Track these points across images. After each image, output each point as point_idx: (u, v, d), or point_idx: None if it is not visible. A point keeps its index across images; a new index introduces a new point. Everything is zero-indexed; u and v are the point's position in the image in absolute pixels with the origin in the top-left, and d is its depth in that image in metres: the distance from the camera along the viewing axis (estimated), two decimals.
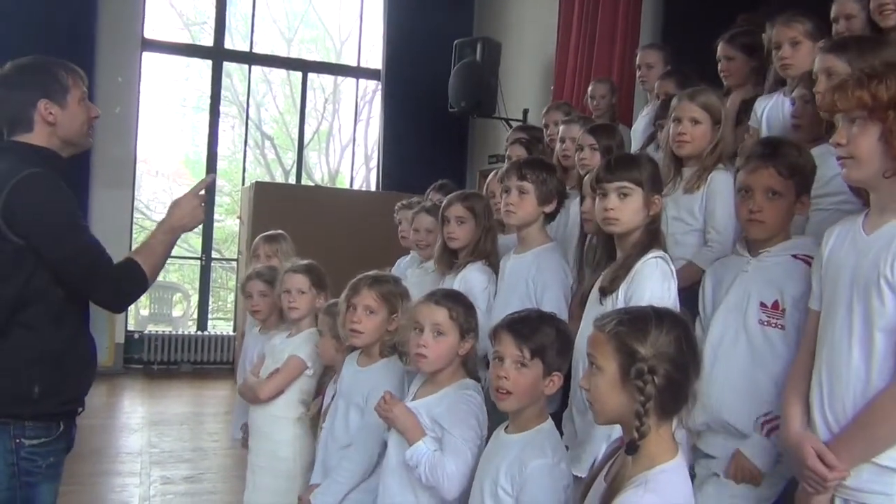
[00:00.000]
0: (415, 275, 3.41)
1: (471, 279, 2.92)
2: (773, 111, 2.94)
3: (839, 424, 1.70)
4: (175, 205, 2.36)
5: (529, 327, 1.99)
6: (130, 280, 2.24)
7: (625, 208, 2.29)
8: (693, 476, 2.19)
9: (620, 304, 2.16)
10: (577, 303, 2.60)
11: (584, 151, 3.23)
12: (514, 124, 6.52)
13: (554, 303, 2.63)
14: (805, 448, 1.72)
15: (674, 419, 1.59)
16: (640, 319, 1.59)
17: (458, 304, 2.31)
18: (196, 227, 2.43)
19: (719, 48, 3.49)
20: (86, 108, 2.33)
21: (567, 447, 2.25)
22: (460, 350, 2.28)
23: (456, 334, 2.26)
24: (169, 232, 2.34)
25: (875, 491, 1.65)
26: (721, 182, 2.71)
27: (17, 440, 2.14)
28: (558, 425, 2.36)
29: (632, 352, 1.55)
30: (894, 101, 1.63)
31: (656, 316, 1.60)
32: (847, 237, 1.79)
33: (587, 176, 2.81)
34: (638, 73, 4.46)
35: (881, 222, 1.71)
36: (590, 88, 4.88)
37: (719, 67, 3.48)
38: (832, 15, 3.03)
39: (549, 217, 2.85)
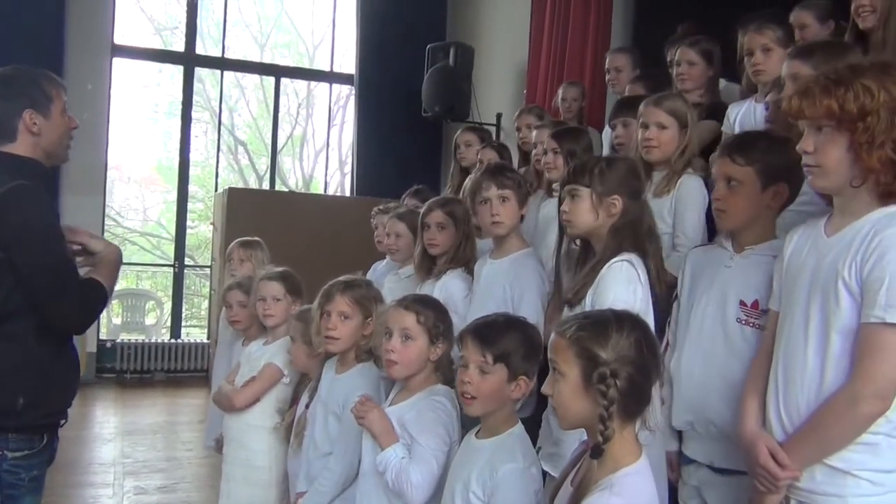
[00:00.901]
0: (391, 281, 3.40)
1: (451, 286, 2.91)
2: (745, 117, 2.97)
3: (793, 424, 1.71)
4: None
5: (493, 332, 2.00)
6: (97, 300, 2.22)
7: (575, 209, 2.31)
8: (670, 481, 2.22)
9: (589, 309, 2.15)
10: (555, 307, 2.61)
11: (548, 155, 3.26)
12: (489, 128, 6.56)
13: (531, 308, 2.63)
14: (758, 446, 1.74)
15: (637, 421, 1.61)
16: (600, 324, 1.60)
17: (428, 308, 2.32)
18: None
19: (679, 52, 3.52)
20: (66, 119, 2.33)
21: (541, 447, 2.27)
22: (431, 355, 2.28)
23: (425, 339, 2.27)
24: (115, 263, 2.36)
25: (828, 493, 1.66)
26: (691, 187, 2.73)
27: (1, 452, 2.12)
28: (536, 428, 2.37)
29: (593, 356, 1.56)
30: (863, 112, 1.62)
31: (616, 319, 1.61)
32: (809, 239, 1.81)
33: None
34: (607, 77, 4.49)
35: (843, 225, 1.72)
36: (560, 91, 4.91)
37: (676, 71, 3.51)
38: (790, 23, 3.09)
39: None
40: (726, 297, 2.09)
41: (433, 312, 2.31)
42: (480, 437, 2.03)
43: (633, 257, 2.24)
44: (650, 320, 2.17)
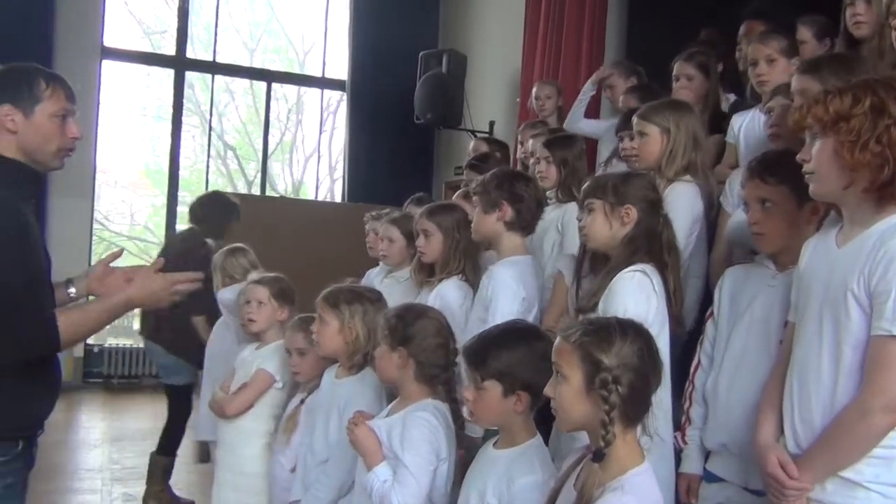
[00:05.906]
0: (388, 284, 3.37)
1: (446, 295, 2.87)
2: (749, 127, 2.97)
3: (808, 437, 1.71)
4: (146, 280, 2.25)
5: (481, 350, 1.97)
6: (36, 340, 2.05)
7: (590, 223, 2.33)
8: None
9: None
10: (556, 313, 2.59)
11: (541, 164, 3.26)
12: (481, 136, 6.56)
13: (502, 314, 2.57)
14: (769, 456, 1.75)
15: (638, 426, 1.66)
16: (604, 330, 1.66)
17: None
18: (150, 307, 2.36)
19: (676, 66, 3.53)
20: (59, 125, 2.20)
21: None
22: (398, 364, 2.26)
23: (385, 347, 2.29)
24: (123, 306, 2.20)
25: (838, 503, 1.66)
26: (679, 194, 2.70)
27: None
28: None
29: (596, 362, 1.61)
30: (845, 114, 1.66)
31: (620, 327, 1.67)
32: (821, 250, 1.81)
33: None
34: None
35: (851, 235, 1.72)
36: (534, 90, 4.90)
37: (676, 86, 3.51)
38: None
39: (523, 229, 2.81)
40: (770, 316, 2.06)
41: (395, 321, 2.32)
42: (498, 447, 2.00)
43: (648, 267, 2.23)
44: (665, 332, 2.16)
